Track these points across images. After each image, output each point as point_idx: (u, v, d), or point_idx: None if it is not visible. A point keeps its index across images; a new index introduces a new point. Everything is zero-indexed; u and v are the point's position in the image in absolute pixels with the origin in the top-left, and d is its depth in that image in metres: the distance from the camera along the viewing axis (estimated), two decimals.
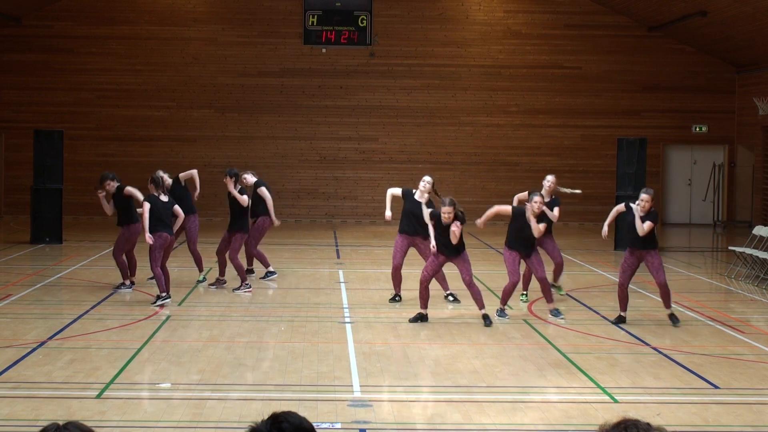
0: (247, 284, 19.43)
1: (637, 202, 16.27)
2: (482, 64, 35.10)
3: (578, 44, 35.05)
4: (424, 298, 16.54)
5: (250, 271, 20.89)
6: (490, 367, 13.48)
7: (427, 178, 18.09)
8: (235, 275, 19.57)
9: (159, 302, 17.57)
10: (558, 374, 13.08)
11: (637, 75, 35.17)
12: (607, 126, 34.71)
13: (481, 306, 16.30)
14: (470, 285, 16.22)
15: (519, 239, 16.59)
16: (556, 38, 35.07)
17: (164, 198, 17.98)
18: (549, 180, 18.32)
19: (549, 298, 16.86)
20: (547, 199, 17.58)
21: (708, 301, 19.41)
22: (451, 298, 18.41)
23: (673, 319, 16.42)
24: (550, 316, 16.86)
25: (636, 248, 16.30)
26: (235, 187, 19.56)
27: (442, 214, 16.04)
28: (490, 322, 16.18)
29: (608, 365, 13.61)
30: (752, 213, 33.70)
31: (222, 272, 19.86)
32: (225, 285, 19.73)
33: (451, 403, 11.61)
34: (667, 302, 16.50)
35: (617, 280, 16.92)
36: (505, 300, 16.90)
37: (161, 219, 17.80)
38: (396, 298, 18.49)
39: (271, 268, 20.73)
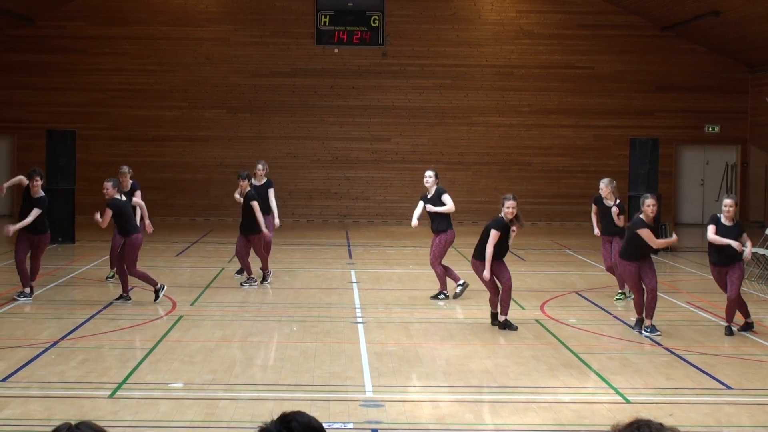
0: (253, 278, 19.82)
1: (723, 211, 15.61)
2: (494, 64, 35.10)
3: (591, 44, 35.03)
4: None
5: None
6: (502, 367, 13.47)
7: (429, 173, 18.87)
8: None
9: (125, 300, 17.79)
10: (570, 374, 13.07)
11: (649, 75, 35.14)
12: (620, 126, 34.68)
13: (505, 312, 16.06)
14: (510, 289, 15.99)
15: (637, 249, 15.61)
16: (569, 38, 35.05)
17: (124, 198, 18.01)
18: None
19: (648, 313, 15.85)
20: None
21: (720, 301, 19.30)
22: (442, 296, 18.61)
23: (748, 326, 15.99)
24: (644, 331, 15.74)
25: (722, 265, 15.58)
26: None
27: (506, 209, 15.55)
28: (515, 327, 15.94)
29: (620, 365, 13.60)
30: (765, 213, 33.67)
31: (249, 271, 20.02)
32: (256, 283, 19.93)
33: (463, 403, 11.60)
34: (732, 315, 15.93)
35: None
36: (650, 314, 15.66)
37: (131, 220, 17.93)
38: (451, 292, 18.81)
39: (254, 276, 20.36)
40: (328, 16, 34.57)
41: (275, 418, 3.63)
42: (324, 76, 34.91)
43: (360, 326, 16.24)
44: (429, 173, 18.81)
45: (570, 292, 19.87)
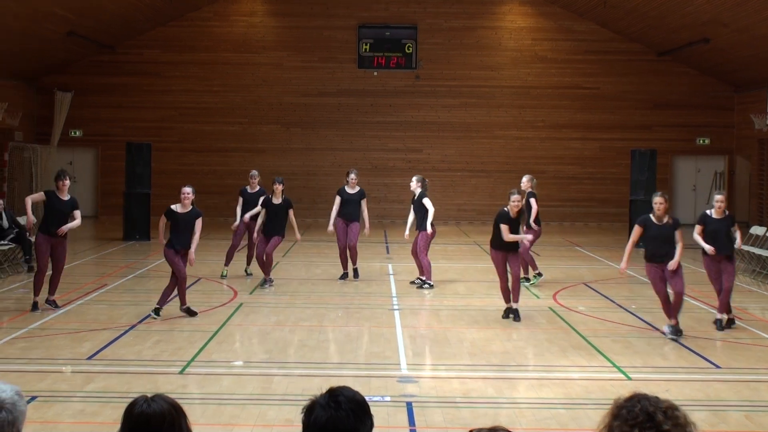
0: (428, 282, 18.99)
1: (714, 207, 15.15)
2: (513, 85, 34.99)
3: (597, 68, 34.86)
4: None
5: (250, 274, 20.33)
6: (519, 348, 13.43)
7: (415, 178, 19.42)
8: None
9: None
10: (579, 355, 13.01)
11: (648, 94, 34.93)
12: (622, 139, 34.50)
13: (516, 299, 15.75)
14: (517, 279, 15.60)
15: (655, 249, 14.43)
16: (578, 62, 34.90)
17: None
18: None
19: (672, 314, 14.26)
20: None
21: (711, 291, 19.13)
22: (426, 286, 18.76)
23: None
24: (665, 329, 14.41)
25: (722, 253, 14.84)
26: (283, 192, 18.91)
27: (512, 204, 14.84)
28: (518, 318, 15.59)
29: (623, 347, 13.52)
30: (749, 215, 33.40)
31: (267, 272, 18.77)
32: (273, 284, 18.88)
33: (486, 380, 11.57)
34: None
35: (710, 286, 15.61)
36: (674, 314, 14.25)
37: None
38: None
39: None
40: (368, 44, 34.58)
41: (324, 392, 3.63)
42: (365, 95, 34.92)
43: (396, 312, 16.22)
44: (413, 178, 19.32)
45: (579, 284, 19.78)
